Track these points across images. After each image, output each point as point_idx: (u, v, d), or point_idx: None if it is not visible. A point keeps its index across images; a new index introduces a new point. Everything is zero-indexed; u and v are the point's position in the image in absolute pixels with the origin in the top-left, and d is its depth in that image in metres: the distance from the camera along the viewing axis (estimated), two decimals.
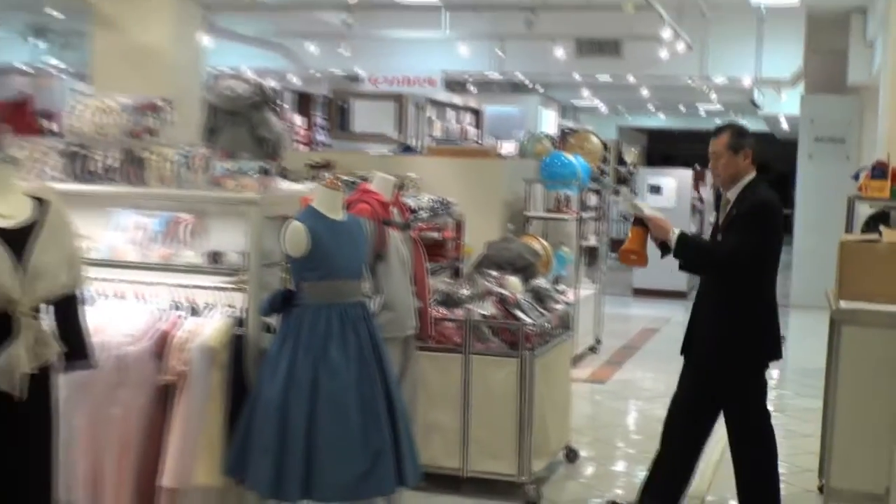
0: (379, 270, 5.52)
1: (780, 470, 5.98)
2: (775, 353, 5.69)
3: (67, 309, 4.35)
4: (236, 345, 5.00)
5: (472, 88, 24.03)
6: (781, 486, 6.01)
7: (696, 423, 5.66)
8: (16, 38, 21.16)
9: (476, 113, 22.61)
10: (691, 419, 5.65)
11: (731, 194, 5.54)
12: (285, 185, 5.40)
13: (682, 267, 5.96)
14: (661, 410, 9.10)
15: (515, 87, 24.13)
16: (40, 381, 4.08)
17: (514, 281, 6.98)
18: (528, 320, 6.50)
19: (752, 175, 5.53)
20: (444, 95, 21.03)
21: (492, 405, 6.43)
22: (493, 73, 21.13)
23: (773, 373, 11.04)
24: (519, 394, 6.37)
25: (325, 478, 4.70)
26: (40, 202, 4.18)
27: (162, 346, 5.02)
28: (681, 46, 15.99)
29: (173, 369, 4.95)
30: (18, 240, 3.99)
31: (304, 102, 20.97)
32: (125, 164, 5.48)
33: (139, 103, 5.83)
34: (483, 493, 6.46)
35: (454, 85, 21.87)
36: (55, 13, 18.30)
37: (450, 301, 6.71)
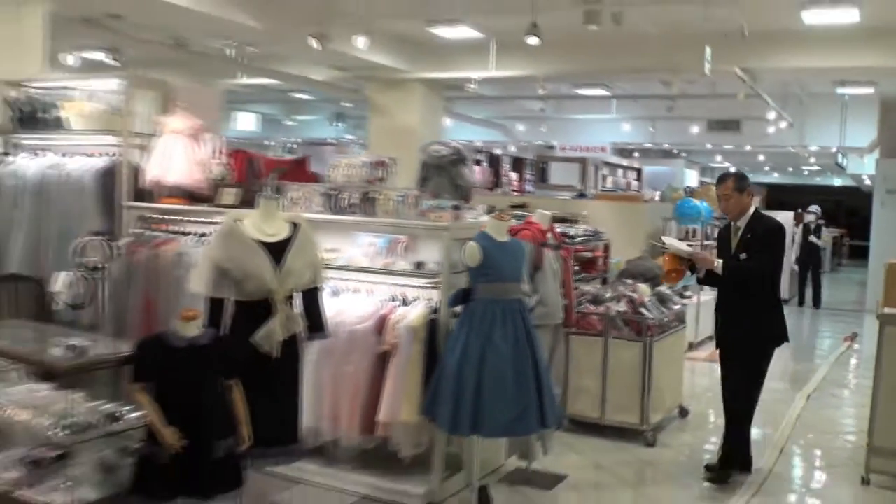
0: (536, 277, 5.66)
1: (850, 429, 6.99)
2: (785, 337, 5.94)
3: (311, 297, 4.77)
4: (431, 326, 5.20)
5: (635, 154, 25.22)
6: (849, 441, 7.01)
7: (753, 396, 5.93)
8: (325, 121, 22.67)
9: (638, 171, 22.99)
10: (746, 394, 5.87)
11: (741, 223, 5.78)
12: (470, 217, 5.59)
13: (700, 281, 6.24)
14: (776, 382, 8.98)
15: (666, 153, 24.80)
16: (290, 345, 4.55)
17: (643, 287, 7.22)
18: (650, 316, 6.76)
19: (754, 206, 5.87)
20: (614, 159, 22.14)
21: (622, 374, 6.72)
22: (648, 143, 22.91)
23: (851, 361, 11.16)
24: (642, 367, 6.65)
25: (487, 420, 4.85)
26: (294, 225, 4.66)
27: (381, 325, 5.26)
28: (783, 124, 17.48)
29: (388, 341, 5.21)
30: (278, 250, 4.48)
31: (517, 163, 21.71)
32: (363, 201, 5.73)
33: (374, 161, 6.21)
34: (615, 436, 6.72)
35: (622, 151, 22.93)
36: (348, 104, 19.90)
37: (596, 300, 7.01)
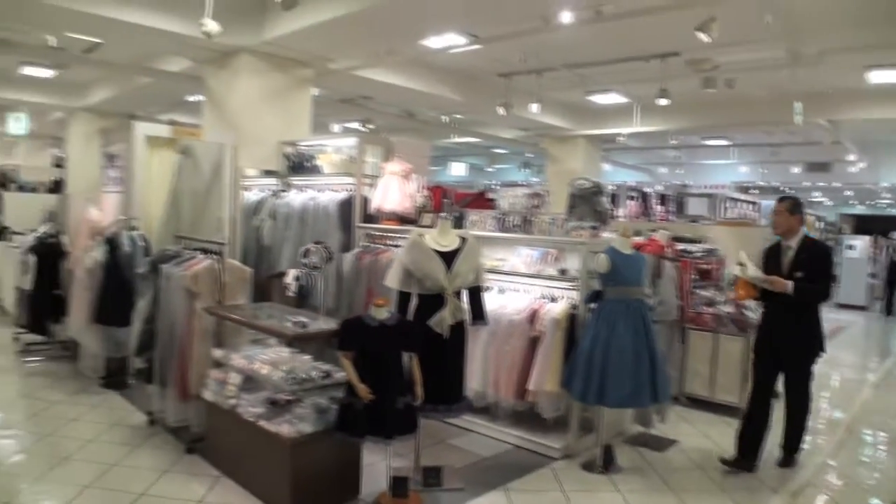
0: (657, 283, 5.40)
1: None
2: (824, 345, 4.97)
3: (475, 294, 4.59)
4: (571, 318, 5.01)
5: (752, 190, 23.76)
6: None
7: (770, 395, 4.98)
8: (515, 168, 22.49)
9: (754, 203, 21.88)
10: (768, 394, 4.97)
11: (792, 242, 4.87)
12: (605, 235, 5.28)
13: (757, 298, 5.12)
14: (849, 373, 8.48)
15: (775, 190, 23.57)
16: (457, 329, 4.40)
17: None
18: (751, 316, 6.12)
19: (804, 230, 4.94)
20: (736, 194, 20.72)
21: (728, 362, 6.21)
22: (760, 181, 21.70)
23: None
24: (743, 357, 6.07)
25: (609, 393, 4.63)
26: (463, 239, 4.53)
27: (533, 316, 5.09)
28: (863, 164, 16.22)
29: (538, 329, 5.03)
30: (450, 258, 4.35)
31: (663, 199, 20.95)
32: (523, 223, 5.63)
33: (531, 192, 6.02)
34: (721, 412, 6.19)
35: (742, 188, 21.96)
36: (531, 155, 19.58)
37: (709, 303, 6.47)
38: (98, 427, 5.33)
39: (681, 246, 6.87)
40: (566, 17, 6.40)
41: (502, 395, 5.22)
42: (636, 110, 11.75)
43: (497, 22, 7.09)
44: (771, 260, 4.97)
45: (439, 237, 4.52)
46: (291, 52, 7.84)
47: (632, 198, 20.60)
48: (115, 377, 6.38)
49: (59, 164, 20.06)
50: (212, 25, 5.91)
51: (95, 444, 5.00)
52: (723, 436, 5.63)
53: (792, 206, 4.91)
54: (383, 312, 4.10)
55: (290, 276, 5.72)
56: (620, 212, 20.43)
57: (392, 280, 4.50)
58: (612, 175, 21.20)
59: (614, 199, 22.14)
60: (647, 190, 21.61)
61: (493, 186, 23.45)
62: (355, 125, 14.67)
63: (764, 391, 4.97)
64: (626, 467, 4.92)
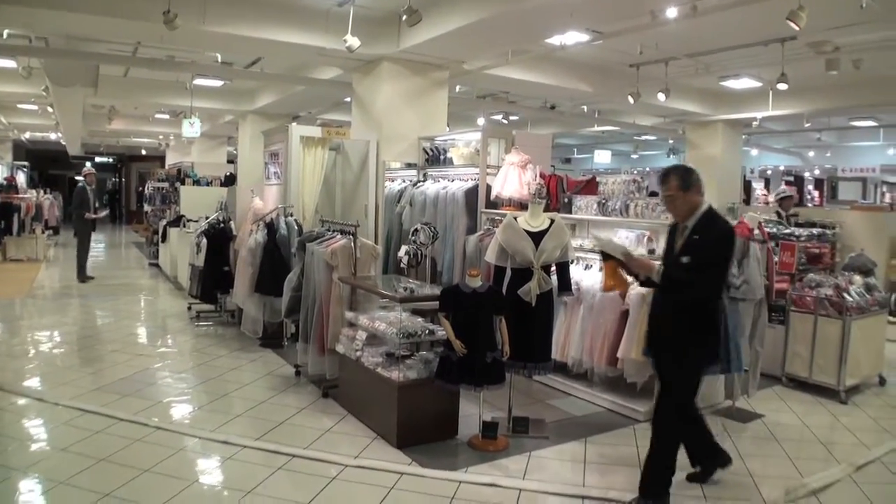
0: (743, 263, 5.63)
1: None
2: (714, 360, 4.25)
3: (562, 268, 5.36)
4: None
5: None
6: None
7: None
8: (663, 154, 22.44)
9: None
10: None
11: (690, 222, 3.99)
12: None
13: (643, 283, 4.42)
14: None
15: None
16: (544, 297, 5.19)
17: (856, 278, 6.88)
18: (850, 299, 6.45)
19: (706, 205, 4.01)
20: (890, 177, 19.68)
21: (826, 344, 6.51)
22: None
23: None
24: (840, 339, 6.40)
25: None
26: (552, 221, 5.33)
27: (625, 292, 5.41)
28: None
29: (627, 303, 5.60)
30: (538, 237, 5.17)
31: (818, 183, 20.38)
32: (622, 208, 6.24)
33: (630, 179, 6.63)
34: (817, 393, 6.53)
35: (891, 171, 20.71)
36: (671, 141, 19.74)
37: (810, 285, 6.80)
38: (254, 375, 6.78)
39: (788, 230, 7.27)
40: (671, 12, 7.02)
41: (596, 362, 5.95)
42: (770, 94, 11.91)
43: (613, 18, 7.72)
44: (669, 245, 4.25)
45: (530, 219, 5.37)
46: (427, 58, 8.95)
47: (788, 182, 20.31)
48: (271, 338, 7.87)
49: (232, 160, 22.65)
50: (353, 41, 7.16)
51: (250, 387, 6.41)
52: (812, 414, 6.05)
53: (682, 181, 4.02)
54: (476, 281, 5.04)
55: (402, 251, 6.69)
56: (772, 197, 20.12)
57: (490, 256, 5.42)
58: (761, 159, 20.87)
59: (767, 183, 21.78)
60: (806, 174, 21.23)
61: (642, 172, 23.69)
62: (499, 118, 15.65)
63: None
64: None
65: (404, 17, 6.51)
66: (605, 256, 4.38)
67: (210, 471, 4.57)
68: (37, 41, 9.96)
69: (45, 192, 20.63)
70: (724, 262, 4.03)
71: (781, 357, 6.82)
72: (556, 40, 8.84)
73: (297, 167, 8.16)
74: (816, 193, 19.93)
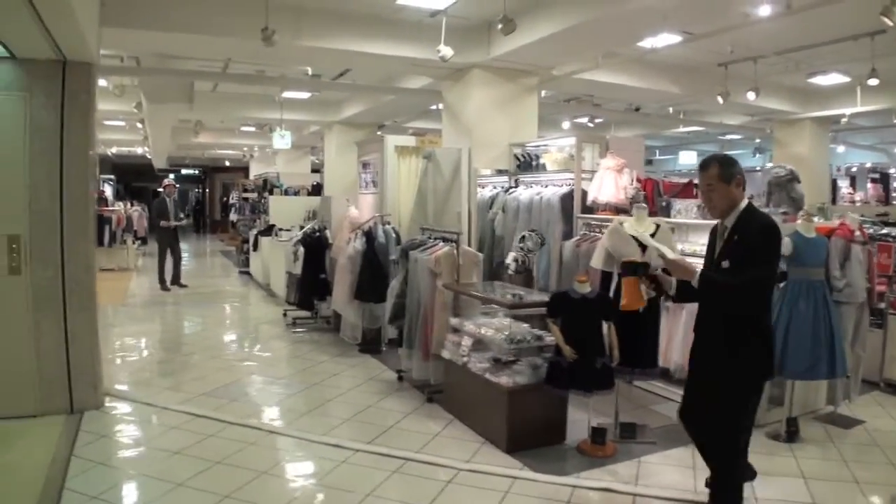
0: (845, 266, 5.59)
1: None
2: (770, 373, 3.78)
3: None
4: None
5: None
6: None
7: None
8: (749, 154, 21.98)
9: None
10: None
11: (729, 221, 3.64)
12: (798, 220, 5.72)
13: (675, 299, 4.09)
14: None
15: None
16: (652, 304, 4.95)
17: None
18: None
19: (746, 201, 3.65)
20: None
21: None
22: None
23: None
24: None
25: (788, 365, 5.15)
26: (657, 226, 5.36)
27: None
28: None
29: None
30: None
31: None
32: (699, 210, 6.32)
33: None
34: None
35: None
36: (758, 140, 19.20)
37: None
38: (355, 380, 6.97)
39: (885, 230, 7.08)
40: (764, 10, 6.95)
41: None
42: (858, 90, 11.62)
43: (706, 19, 7.68)
44: (709, 250, 3.89)
45: (636, 224, 5.41)
46: (517, 64, 9.05)
47: (874, 180, 19.63)
48: (370, 344, 8.08)
49: (316, 169, 23.20)
50: (446, 51, 7.32)
51: (353, 392, 6.60)
52: None
53: (723, 171, 3.66)
54: (585, 287, 5.11)
55: (510, 258, 6.81)
56: (858, 196, 19.49)
57: (596, 261, 5.50)
58: (847, 157, 20.21)
59: (853, 181, 21.07)
60: (892, 171, 20.48)
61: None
62: (584, 121, 15.64)
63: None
64: (808, 439, 5.44)
65: (500, 27, 6.63)
66: (627, 271, 4.13)
67: (325, 474, 4.73)
68: (128, 60, 10.50)
69: (132, 205, 21.54)
70: (767, 264, 3.52)
71: (880, 362, 6.66)
72: (647, 43, 8.82)
73: (393, 176, 8.37)
74: None
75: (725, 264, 3.58)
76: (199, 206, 36.83)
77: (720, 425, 3.68)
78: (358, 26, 8.43)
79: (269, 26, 6.93)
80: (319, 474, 4.73)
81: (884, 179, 19.41)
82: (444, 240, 6.47)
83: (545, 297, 5.35)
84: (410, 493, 4.42)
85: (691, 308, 5.79)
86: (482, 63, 8.98)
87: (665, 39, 8.70)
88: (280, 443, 5.28)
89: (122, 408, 6.01)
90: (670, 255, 3.91)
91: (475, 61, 8.94)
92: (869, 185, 19.44)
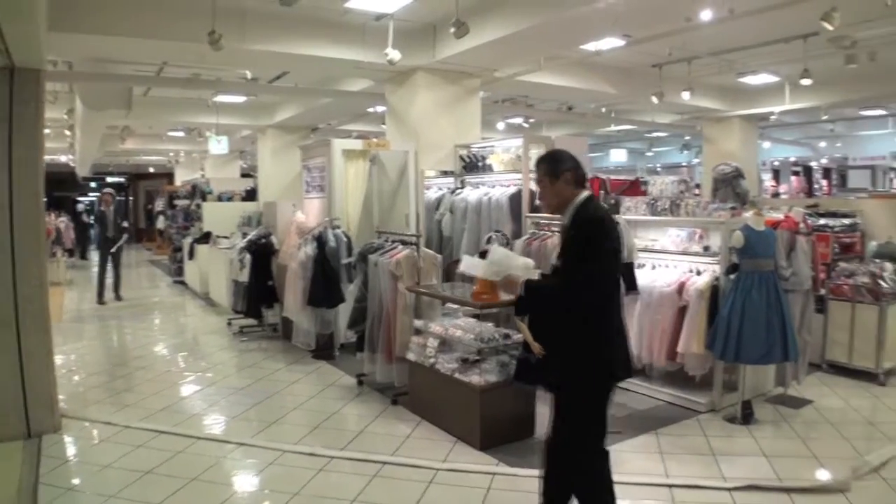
0: (791, 256, 5.92)
1: None
2: (616, 373, 3.42)
3: (628, 268, 5.57)
4: (714, 289, 5.81)
5: None
6: None
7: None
8: (675, 150, 22.80)
9: None
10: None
11: (566, 218, 3.39)
12: (745, 215, 5.91)
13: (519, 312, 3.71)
14: None
15: None
16: None
17: (888, 265, 7.08)
18: (885, 286, 6.72)
19: (583, 195, 3.36)
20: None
21: (864, 330, 6.82)
22: None
23: None
24: (878, 324, 6.70)
25: (744, 352, 5.48)
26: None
27: (681, 288, 5.96)
28: None
29: (685, 299, 5.89)
30: None
31: (826, 172, 20.86)
32: (671, 206, 6.39)
33: (678, 179, 6.86)
34: (858, 377, 6.86)
35: None
36: (688, 137, 19.98)
37: (848, 274, 7.04)
38: (315, 387, 6.96)
39: (822, 221, 7.52)
40: (706, 15, 7.26)
41: (655, 357, 6.19)
42: (787, 89, 12.20)
43: (652, 23, 7.96)
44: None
45: None
46: (461, 67, 9.18)
47: (795, 173, 20.63)
48: (323, 350, 8.07)
49: (246, 174, 22.82)
50: (394, 54, 7.38)
51: (316, 398, 6.59)
52: (855, 397, 6.38)
53: (550, 168, 3.44)
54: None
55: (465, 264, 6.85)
56: (783, 188, 20.38)
57: (556, 259, 5.61)
58: (773, 151, 21.20)
59: (777, 175, 22.10)
60: (814, 164, 21.61)
61: (645, 174, 24.09)
62: (518, 121, 15.90)
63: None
64: (762, 420, 5.76)
65: (452, 30, 6.75)
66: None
67: (308, 482, 4.70)
68: (61, 65, 10.17)
69: (58, 216, 20.77)
70: (594, 259, 3.15)
71: (821, 344, 7.09)
72: (591, 46, 9.07)
73: (340, 180, 8.39)
74: (825, 183, 20.36)
75: (558, 262, 3.37)
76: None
77: (568, 437, 3.46)
78: (302, 29, 8.38)
79: (215, 30, 6.86)
80: (301, 483, 4.66)
81: (807, 172, 20.44)
82: (403, 243, 6.54)
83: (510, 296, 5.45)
84: (394, 496, 4.47)
85: (645, 301, 6.16)
86: (427, 65, 9.06)
87: (609, 43, 8.96)
88: (253, 455, 5.20)
89: (82, 429, 5.80)
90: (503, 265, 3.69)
91: (420, 64, 9.01)
92: (792, 178, 20.37)
